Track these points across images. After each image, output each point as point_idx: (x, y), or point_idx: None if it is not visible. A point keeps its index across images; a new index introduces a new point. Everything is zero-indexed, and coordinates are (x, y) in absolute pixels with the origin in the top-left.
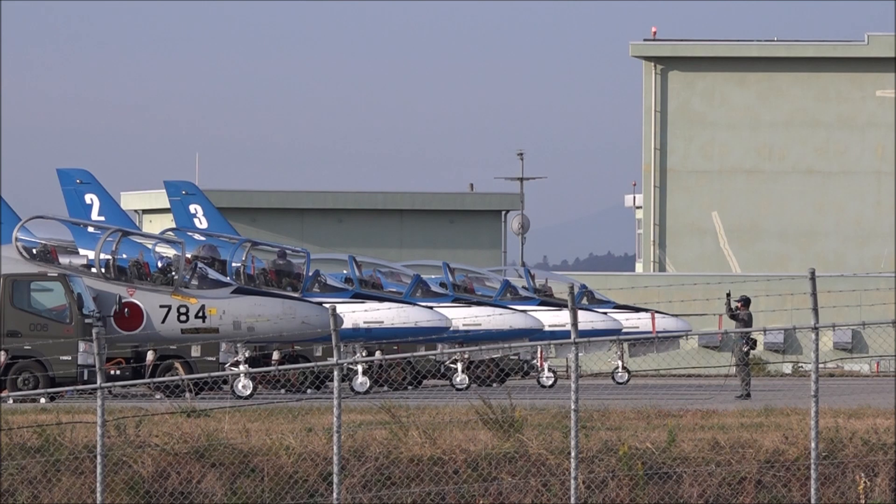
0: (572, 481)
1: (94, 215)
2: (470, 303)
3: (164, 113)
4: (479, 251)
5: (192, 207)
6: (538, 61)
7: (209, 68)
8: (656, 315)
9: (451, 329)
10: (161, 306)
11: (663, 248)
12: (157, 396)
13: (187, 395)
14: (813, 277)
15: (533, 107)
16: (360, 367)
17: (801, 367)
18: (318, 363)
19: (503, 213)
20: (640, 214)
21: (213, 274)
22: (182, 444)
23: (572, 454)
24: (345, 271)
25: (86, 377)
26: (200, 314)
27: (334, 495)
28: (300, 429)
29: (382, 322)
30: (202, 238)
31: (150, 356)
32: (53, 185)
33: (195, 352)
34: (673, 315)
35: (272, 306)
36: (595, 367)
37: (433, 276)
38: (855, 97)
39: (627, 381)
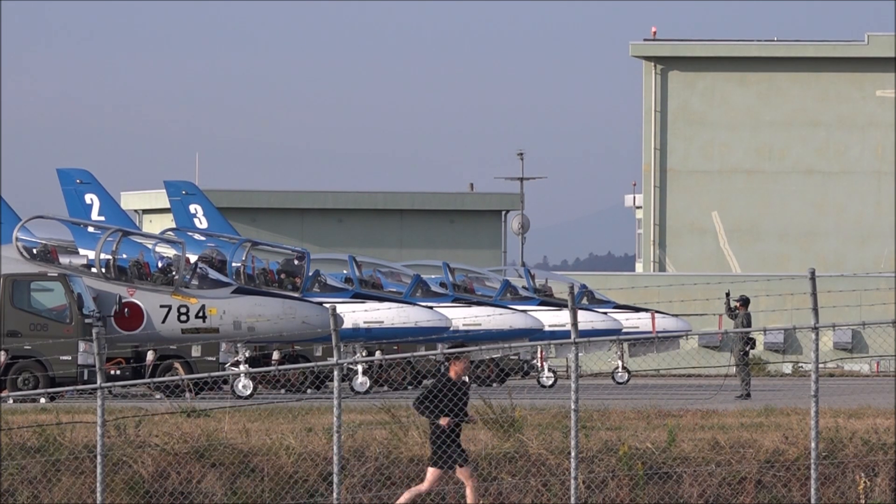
0: (572, 481)
1: (94, 215)
2: (470, 303)
3: (164, 113)
4: (479, 251)
5: (192, 207)
6: (538, 61)
7: (209, 68)
8: (656, 315)
9: (451, 329)
10: (161, 306)
11: (663, 248)
12: (157, 396)
13: (187, 395)
14: (813, 277)
15: (533, 107)
16: (360, 367)
17: (801, 367)
18: (318, 363)
19: (503, 213)
20: (640, 214)
21: (213, 274)
22: (182, 444)
23: (572, 454)
24: (345, 271)
25: (86, 377)
26: (200, 314)
27: (334, 495)
28: (300, 429)
29: (382, 322)
30: (202, 238)
31: (150, 356)
32: (53, 185)
33: (195, 352)
34: (673, 315)
35: (272, 306)
36: (595, 367)
37: (433, 276)
38: (855, 97)
39: (627, 381)
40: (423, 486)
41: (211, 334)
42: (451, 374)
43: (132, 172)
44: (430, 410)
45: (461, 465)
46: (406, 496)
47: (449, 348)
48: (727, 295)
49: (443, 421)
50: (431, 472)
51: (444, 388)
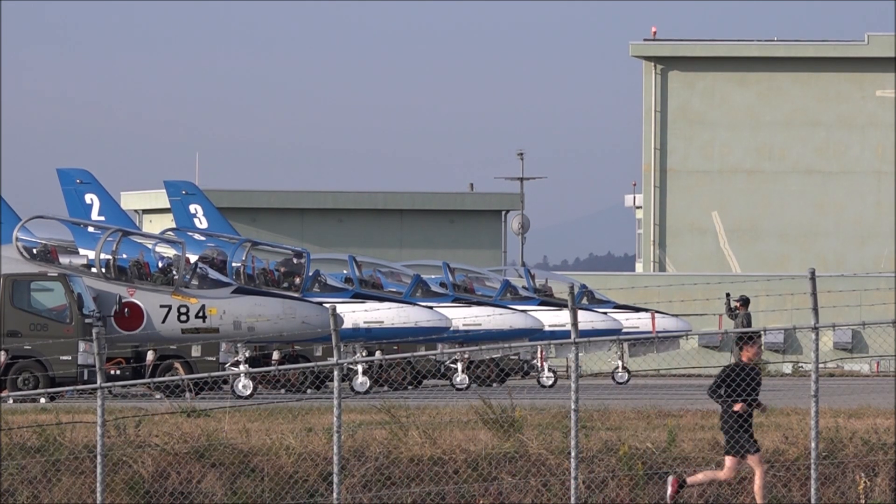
0: (572, 481)
1: (94, 215)
2: (470, 303)
3: (164, 113)
4: (479, 251)
5: (192, 207)
6: (538, 61)
7: (209, 68)
8: (656, 315)
9: (451, 329)
10: (161, 306)
11: (663, 248)
12: (157, 396)
13: (187, 395)
14: (813, 277)
15: (533, 107)
16: (360, 367)
17: (801, 367)
18: (318, 363)
19: (503, 213)
20: (640, 214)
21: (213, 274)
22: (182, 444)
23: (572, 454)
24: (345, 271)
25: (86, 377)
26: (201, 314)
27: (334, 495)
28: (300, 429)
29: (382, 322)
30: (202, 238)
31: (150, 356)
32: (53, 185)
33: (195, 352)
34: (673, 315)
35: (272, 306)
36: (595, 367)
37: (433, 276)
38: (855, 97)
39: (627, 381)
40: (722, 474)
41: (211, 334)
42: (744, 358)
43: (132, 172)
44: (723, 397)
45: (752, 453)
46: (702, 476)
47: (740, 336)
48: (727, 295)
49: (737, 407)
50: (729, 461)
51: (738, 373)
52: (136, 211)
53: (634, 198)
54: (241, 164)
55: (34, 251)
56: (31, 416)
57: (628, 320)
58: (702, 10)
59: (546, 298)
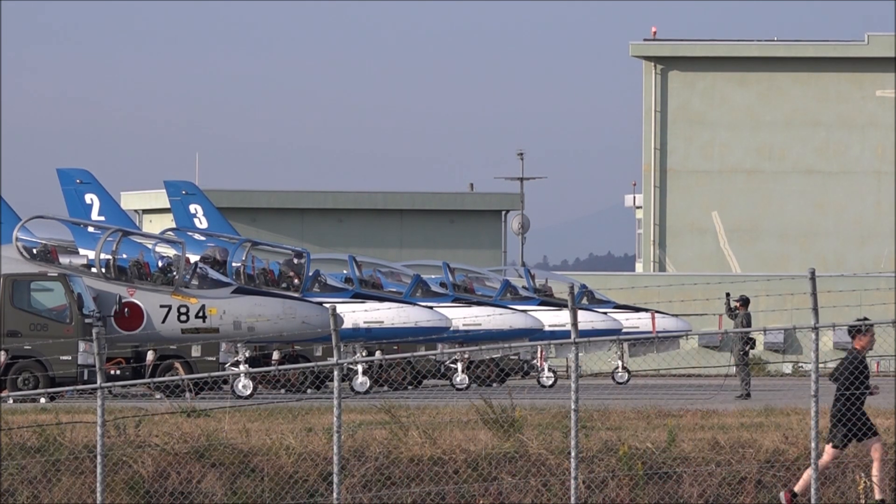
0: (572, 481)
1: (94, 215)
2: (470, 303)
3: (164, 113)
4: (479, 251)
5: (192, 207)
6: (538, 61)
7: (209, 68)
8: (656, 315)
9: (451, 329)
10: (161, 306)
11: (663, 248)
12: (157, 396)
13: (187, 395)
14: (813, 277)
15: (533, 107)
16: (360, 367)
17: (801, 367)
18: (318, 363)
19: (503, 213)
20: (640, 214)
21: (213, 274)
22: (182, 444)
23: (572, 454)
24: (345, 271)
25: (86, 377)
26: (200, 314)
27: (334, 495)
28: (300, 429)
29: (382, 322)
30: (202, 238)
31: (150, 356)
32: (53, 185)
33: (195, 352)
34: (673, 315)
35: (272, 306)
36: (595, 367)
37: (433, 276)
38: (855, 97)
39: (627, 381)
40: (876, 459)
41: (211, 334)
42: (857, 346)
43: (132, 172)
44: (848, 383)
45: (835, 446)
46: (876, 471)
47: (853, 326)
48: (727, 295)
49: (874, 390)
50: (872, 444)
51: (857, 361)
52: (136, 211)
53: (634, 198)
54: (241, 164)
55: (34, 251)
56: (31, 416)
57: (628, 320)
58: (702, 10)
59: (546, 298)
